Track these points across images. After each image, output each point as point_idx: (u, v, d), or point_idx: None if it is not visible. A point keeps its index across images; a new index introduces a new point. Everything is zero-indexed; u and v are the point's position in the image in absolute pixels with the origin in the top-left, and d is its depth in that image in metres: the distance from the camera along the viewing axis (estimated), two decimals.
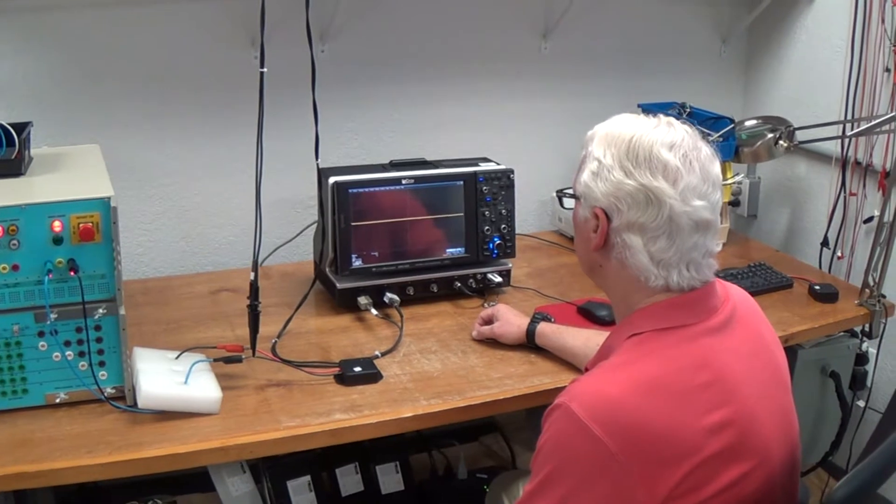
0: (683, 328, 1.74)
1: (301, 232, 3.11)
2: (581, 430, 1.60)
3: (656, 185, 1.71)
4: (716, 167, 1.78)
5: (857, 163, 3.41)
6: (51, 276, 2.08)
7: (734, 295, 1.89)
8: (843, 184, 3.46)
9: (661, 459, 1.60)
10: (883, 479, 1.59)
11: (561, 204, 1.99)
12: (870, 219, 3.38)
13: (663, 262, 1.75)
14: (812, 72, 3.62)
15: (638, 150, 1.74)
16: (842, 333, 3.06)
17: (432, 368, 2.49)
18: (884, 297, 2.98)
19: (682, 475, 1.60)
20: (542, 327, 2.56)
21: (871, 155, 3.34)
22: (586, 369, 1.90)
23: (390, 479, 2.92)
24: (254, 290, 2.32)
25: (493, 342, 2.62)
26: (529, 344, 2.57)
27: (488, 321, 2.66)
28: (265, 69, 2.24)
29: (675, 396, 1.64)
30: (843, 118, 3.39)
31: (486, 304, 2.88)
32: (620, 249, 1.77)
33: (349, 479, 2.88)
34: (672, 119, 1.81)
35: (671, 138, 1.75)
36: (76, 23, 2.88)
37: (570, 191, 1.91)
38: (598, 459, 1.59)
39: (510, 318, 2.62)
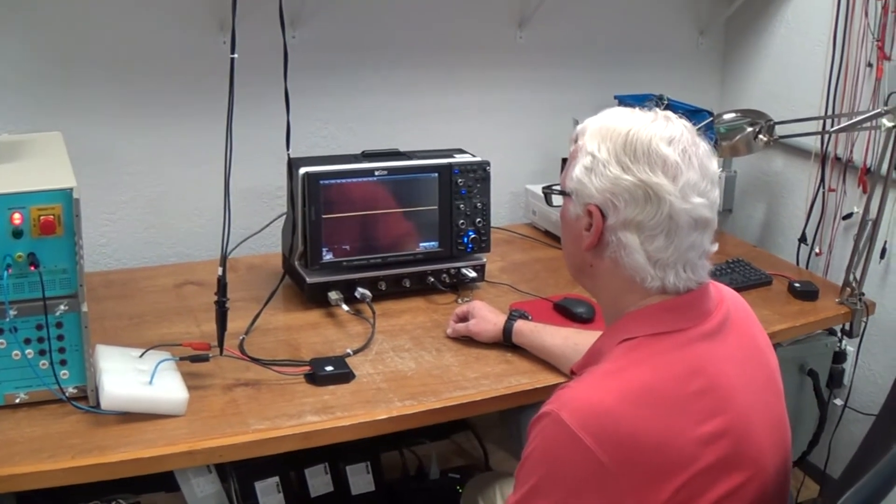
0: (677, 333, 1.67)
1: (270, 223, 3.02)
2: (571, 440, 1.53)
3: (656, 181, 1.65)
4: (714, 163, 1.73)
5: (837, 158, 3.37)
6: (10, 270, 1.98)
7: (727, 297, 1.83)
8: (822, 179, 3.42)
9: (654, 471, 1.54)
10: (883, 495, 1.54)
11: (548, 202, 1.92)
12: (849, 215, 3.35)
13: (660, 262, 1.68)
14: (791, 65, 3.59)
15: (636, 144, 1.67)
16: (819, 331, 3.02)
17: (406, 367, 2.42)
18: (863, 295, 2.93)
19: (676, 487, 1.54)
20: (520, 325, 2.49)
21: (851, 151, 3.31)
22: (572, 372, 1.83)
23: (361, 479, 2.85)
24: (221, 286, 2.24)
25: (468, 340, 2.56)
26: (506, 342, 2.50)
27: (463, 318, 2.59)
28: (236, 55, 2.15)
29: (669, 405, 1.58)
30: (823, 113, 3.35)
31: (459, 300, 2.82)
32: (615, 248, 1.71)
33: (318, 480, 2.81)
34: (669, 113, 1.75)
35: (670, 133, 1.69)
36: (40, 5, 2.78)
37: (558, 187, 1.84)
38: (588, 470, 1.53)
39: (486, 316, 2.55)
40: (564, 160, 3.36)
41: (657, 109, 1.75)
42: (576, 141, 1.79)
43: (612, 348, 1.71)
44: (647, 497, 1.53)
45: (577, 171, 1.74)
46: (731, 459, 1.60)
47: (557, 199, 1.85)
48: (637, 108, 1.78)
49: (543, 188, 1.92)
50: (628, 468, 1.52)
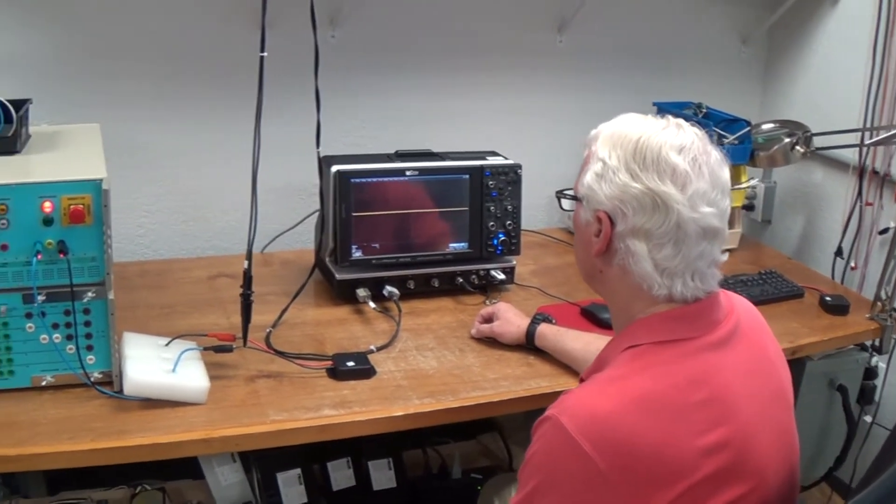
0: (683, 342, 1.68)
1: (304, 219, 3.07)
2: (569, 446, 1.54)
3: (664, 190, 1.65)
4: (725, 172, 1.72)
5: (875, 172, 3.34)
6: (39, 257, 2.04)
7: (739, 307, 1.82)
8: (860, 193, 3.40)
9: (652, 479, 1.54)
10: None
11: (560, 205, 1.93)
12: (885, 230, 3.32)
13: (668, 271, 1.68)
14: (832, 77, 3.56)
15: (646, 151, 1.67)
16: (852, 346, 2.99)
17: (427, 366, 2.44)
18: (895, 311, 2.91)
19: (674, 497, 1.54)
20: (543, 329, 2.50)
21: (889, 165, 3.28)
22: (581, 379, 1.84)
23: (382, 475, 2.87)
24: (246, 278, 2.28)
25: (491, 341, 2.57)
26: (528, 345, 2.52)
27: (488, 319, 2.61)
28: (265, 53, 2.20)
29: (670, 414, 1.58)
30: (862, 126, 3.32)
31: (487, 302, 2.83)
32: (623, 255, 1.71)
33: (341, 474, 2.84)
34: (681, 121, 1.74)
35: (680, 141, 1.68)
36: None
37: (571, 191, 1.85)
38: (586, 476, 1.54)
39: (510, 318, 2.57)
40: None
41: (669, 117, 1.75)
42: (587, 146, 1.80)
43: (617, 355, 1.71)
44: None
45: (588, 177, 1.74)
46: (732, 471, 1.60)
47: (568, 203, 1.86)
48: (650, 116, 1.78)
49: (557, 192, 1.93)
50: (626, 475, 1.53)
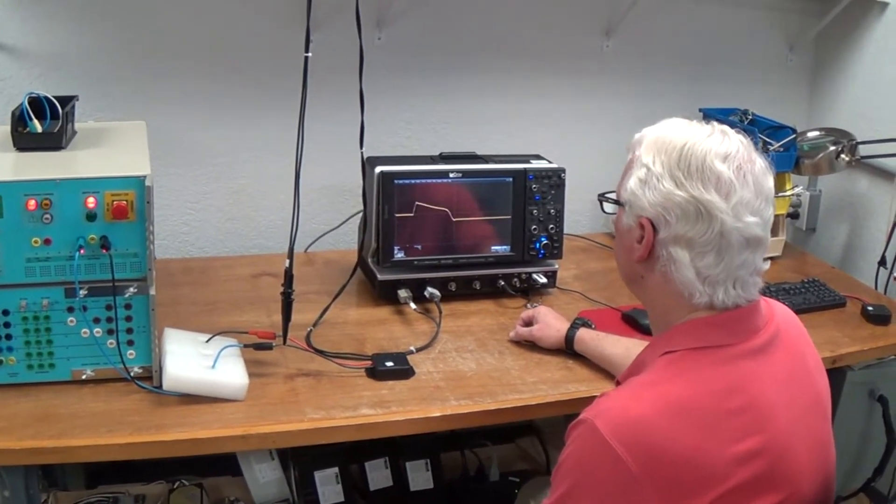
0: (721, 348, 1.67)
1: (347, 220, 3.09)
2: (603, 449, 1.54)
3: (708, 199, 1.64)
4: (769, 181, 1.71)
5: None
6: (82, 251, 2.06)
7: (779, 315, 1.81)
8: None
9: (684, 486, 1.54)
10: None
11: (602, 208, 1.93)
12: None
13: (710, 279, 1.68)
14: (879, 85, 3.52)
15: (690, 159, 1.67)
16: (893, 357, 2.96)
17: (466, 368, 2.44)
18: None
19: (706, 503, 1.54)
20: (582, 333, 2.50)
21: None
22: (617, 383, 1.83)
23: (420, 476, 2.88)
24: (288, 277, 2.30)
25: (531, 345, 2.57)
26: (568, 349, 2.51)
27: (528, 323, 2.60)
28: (310, 53, 2.21)
29: (704, 421, 1.58)
30: None
31: (528, 305, 2.82)
32: (665, 263, 1.71)
33: (378, 474, 2.85)
34: (727, 128, 1.73)
35: (725, 149, 1.67)
36: None
37: (612, 195, 1.85)
38: (619, 480, 1.53)
39: (550, 322, 2.56)
40: None
41: (715, 123, 1.74)
42: (630, 150, 1.79)
43: (654, 360, 1.71)
44: None
45: (632, 182, 1.74)
46: (766, 479, 1.59)
47: (611, 207, 1.86)
48: (695, 121, 1.76)
49: (599, 195, 1.93)
50: (658, 480, 1.53)
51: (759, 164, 1.71)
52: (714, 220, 1.64)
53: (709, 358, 1.66)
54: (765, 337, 1.72)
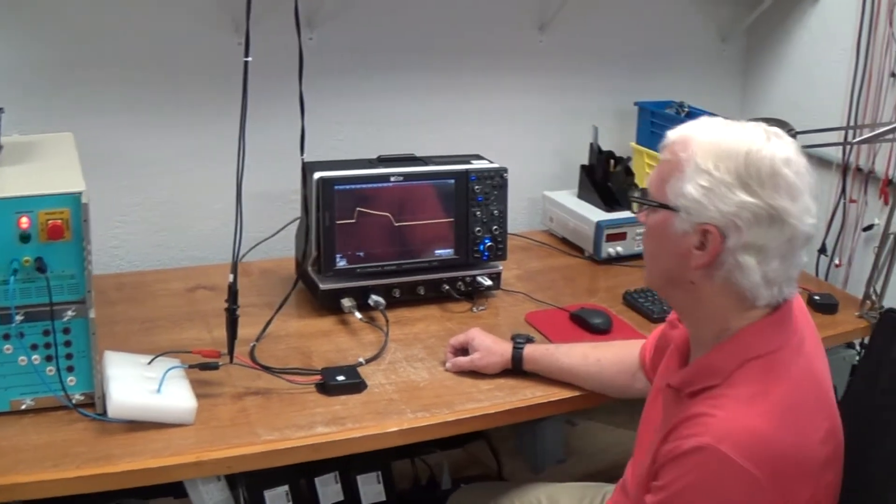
0: (788, 345, 1.71)
1: (283, 228, 3.00)
2: (738, 472, 1.56)
3: (781, 205, 1.63)
4: (814, 180, 1.71)
5: (859, 169, 3.32)
6: (17, 275, 1.95)
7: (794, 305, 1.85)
8: (843, 190, 3.38)
9: (796, 478, 1.62)
10: None
11: (631, 210, 1.89)
12: (870, 227, 3.31)
13: (773, 281, 1.69)
14: (814, 74, 3.54)
15: (759, 165, 1.64)
16: (843, 346, 2.97)
17: (419, 378, 2.38)
18: (883, 308, 2.88)
19: (812, 489, 1.66)
20: (529, 351, 2.39)
21: (873, 162, 3.27)
22: (670, 386, 1.81)
23: (371, 489, 2.81)
24: (232, 293, 2.20)
25: None
26: (516, 371, 2.40)
27: (462, 349, 2.47)
28: (250, 58, 2.12)
29: (803, 417, 1.65)
30: (845, 123, 3.30)
31: (474, 309, 2.79)
32: (730, 269, 1.68)
33: (329, 489, 2.77)
34: (778, 130, 1.71)
35: (785, 153, 1.66)
36: (54, 4, 2.76)
37: (637, 194, 1.85)
38: (751, 494, 1.57)
39: (490, 347, 2.41)
40: (583, 167, 3.37)
41: (760, 123, 1.73)
42: (672, 152, 1.73)
43: (736, 368, 1.69)
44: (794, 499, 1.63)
45: (691, 188, 1.67)
46: (833, 459, 1.72)
47: (640, 208, 1.83)
48: (737, 122, 1.74)
49: (632, 197, 1.86)
50: (778, 480, 1.58)
51: (805, 163, 1.70)
52: (786, 226, 1.64)
53: (786, 356, 1.70)
54: (799, 325, 1.79)
